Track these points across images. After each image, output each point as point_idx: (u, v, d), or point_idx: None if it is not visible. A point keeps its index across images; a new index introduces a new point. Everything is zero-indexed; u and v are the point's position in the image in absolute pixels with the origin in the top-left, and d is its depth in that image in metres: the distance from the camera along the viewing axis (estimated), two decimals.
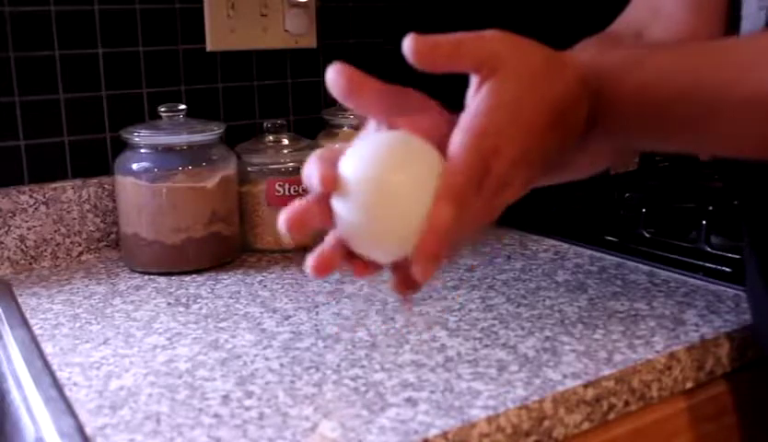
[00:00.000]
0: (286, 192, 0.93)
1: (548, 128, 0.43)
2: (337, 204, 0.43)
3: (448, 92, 0.46)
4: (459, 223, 0.40)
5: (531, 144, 0.43)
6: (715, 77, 0.46)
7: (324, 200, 0.43)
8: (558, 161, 0.46)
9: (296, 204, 0.43)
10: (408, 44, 0.41)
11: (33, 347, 0.68)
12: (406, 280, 0.44)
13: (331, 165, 0.42)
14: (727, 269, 0.79)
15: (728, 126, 0.46)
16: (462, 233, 0.42)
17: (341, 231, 0.43)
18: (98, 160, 0.95)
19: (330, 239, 0.44)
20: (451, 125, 0.43)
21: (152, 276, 0.87)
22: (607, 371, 0.60)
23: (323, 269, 0.43)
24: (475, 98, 0.42)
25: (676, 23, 0.65)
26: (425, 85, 0.46)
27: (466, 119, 0.42)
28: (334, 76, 0.43)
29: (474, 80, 0.43)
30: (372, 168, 0.41)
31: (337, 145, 0.45)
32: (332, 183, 0.42)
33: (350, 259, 0.44)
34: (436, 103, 0.46)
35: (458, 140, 0.41)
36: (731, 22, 0.62)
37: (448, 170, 0.40)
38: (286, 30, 1.06)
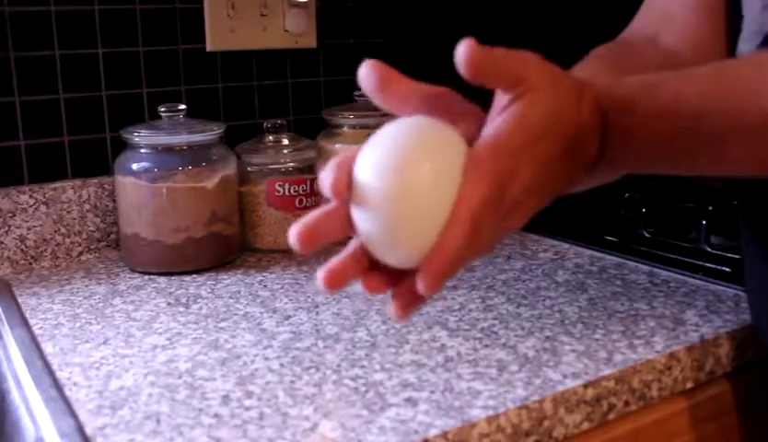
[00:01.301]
0: (286, 192, 0.93)
1: (560, 159, 0.43)
2: (355, 208, 0.41)
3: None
4: (470, 243, 0.40)
5: (543, 172, 0.42)
6: (728, 104, 0.45)
7: (340, 209, 0.42)
8: (565, 188, 0.46)
9: (308, 218, 0.41)
10: (465, 50, 0.39)
11: (33, 347, 0.68)
12: (409, 295, 0.42)
13: (344, 170, 0.41)
14: (727, 269, 0.79)
15: (742, 151, 0.46)
16: (471, 252, 0.41)
17: (361, 235, 0.41)
18: (98, 160, 0.95)
19: (346, 251, 0.43)
20: None
21: (152, 276, 0.87)
22: (607, 371, 0.60)
23: (335, 283, 0.42)
24: (501, 115, 0.42)
25: (688, 28, 0.64)
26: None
27: (488, 136, 0.41)
28: (366, 71, 0.42)
29: (502, 97, 0.42)
30: (392, 159, 0.39)
31: (355, 147, 0.42)
32: (343, 190, 0.40)
33: (364, 273, 0.43)
34: (476, 106, 0.44)
35: (477, 156, 0.40)
36: (732, 22, 0.62)
37: (467, 189, 0.39)
38: (286, 30, 1.06)
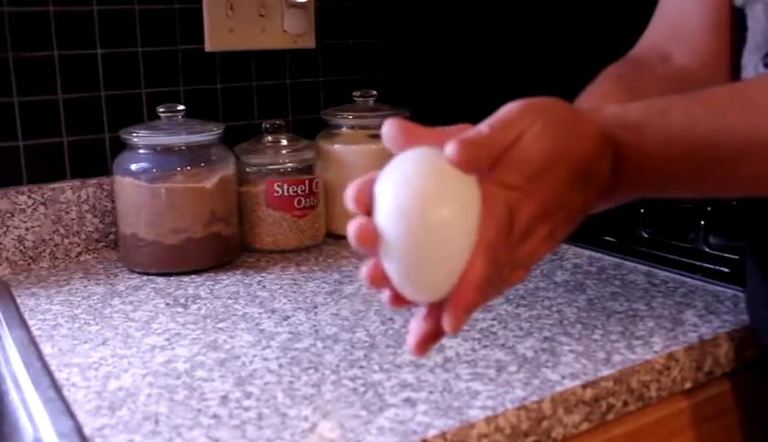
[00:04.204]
0: (285, 193, 0.93)
1: (567, 187, 0.44)
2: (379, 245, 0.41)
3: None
4: (490, 273, 0.41)
5: (550, 199, 0.43)
6: (740, 122, 0.45)
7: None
8: (584, 213, 0.47)
9: (360, 218, 0.42)
10: (454, 151, 0.41)
11: (32, 348, 0.68)
12: (432, 330, 0.43)
13: (368, 185, 0.42)
14: (726, 269, 0.79)
15: (757, 169, 0.46)
16: (491, 284, 0.42)
17: (381, 259, 0.42)
18: (96, 161, 0.95)
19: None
20: None
21: (151, 277, 0.87)
22: (605, 371, 0.60)
23: (375, 282, 0.43)
24: (505, 155, 0.43)
25: (700, 45, 0.64)
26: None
27: (495, 172, 0.42)
28: (388, 130, 0.43)
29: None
30: (411, 200, 0.40)
31: (371, 173, 0.43)
32: (363, 206, 0.42)
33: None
34: None
35: (488, 190, 0.41)
36: (736, 34, 0.61)
37: (482, 222, 0.41)
38: (285, 31, 1.06)
